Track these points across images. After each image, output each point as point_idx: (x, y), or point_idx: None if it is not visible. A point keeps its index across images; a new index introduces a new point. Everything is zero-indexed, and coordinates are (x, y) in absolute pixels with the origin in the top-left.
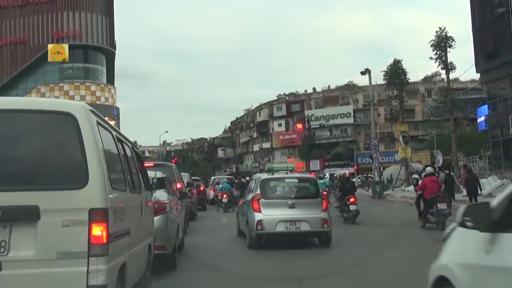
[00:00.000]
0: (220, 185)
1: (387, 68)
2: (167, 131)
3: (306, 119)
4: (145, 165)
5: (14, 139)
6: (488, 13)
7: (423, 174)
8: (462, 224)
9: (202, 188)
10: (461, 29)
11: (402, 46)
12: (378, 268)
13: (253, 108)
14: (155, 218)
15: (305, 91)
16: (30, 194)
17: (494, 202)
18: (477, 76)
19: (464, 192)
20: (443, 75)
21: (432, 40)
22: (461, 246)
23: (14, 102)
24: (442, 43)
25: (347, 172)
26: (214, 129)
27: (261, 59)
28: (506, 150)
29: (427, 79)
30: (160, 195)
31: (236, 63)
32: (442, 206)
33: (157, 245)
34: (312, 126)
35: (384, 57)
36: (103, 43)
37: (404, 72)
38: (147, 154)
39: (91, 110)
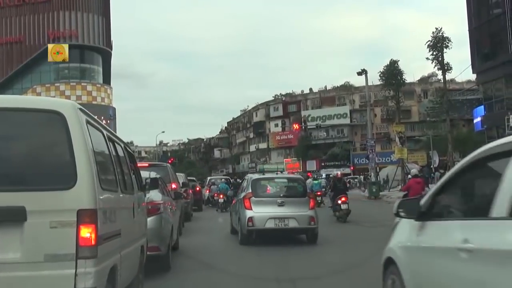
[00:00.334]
0: (216, 186)
1: (384, 69)
2: (163, 131)
3: (302, 119)
4: (140, 165)
5: (0, 138)
6: (484, 14)
7: (408, 176)
8: (397, 215)
9: (198, 189)
10: (458, 30)
11: (398, 47)
12: (374, 269)
13: (249, 108)
14: (149, 219)
15: (302, 91)
16: (16, 194)
17: (423, 199)
18: (473, 77)
19: None
20: (440, 76)
21: (429, 40)
22: (402, 232)
23: (1, 100)
24: (438, 43)
25: (338, 173)
26: (210, 129)
27: (258, 60)
28: None
29: (424, 80)
30: (154, 195)
31: (233, 63)
32: None
33: (150, 246)
34: (308, 127)
35: (381, 58)
36: (99, 43)
37: (400, 73)
38: (143, 154)
39: (80, 109)
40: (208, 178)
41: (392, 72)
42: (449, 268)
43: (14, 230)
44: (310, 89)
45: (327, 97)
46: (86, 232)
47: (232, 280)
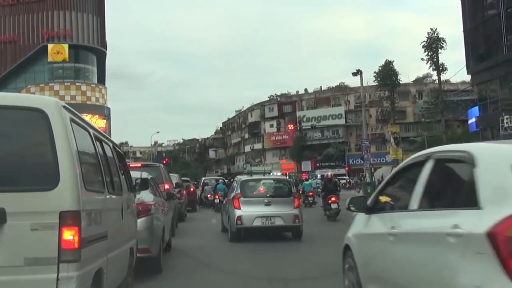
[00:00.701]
0: (210, 186)
1: (379, 69)
2: (158, 132)
3: (297, 120)
4: (133, 165)
5: None
6: (479, 15)
7: None
8: (349, 209)
9: (192, 189)
10: (453, 31)
11: (394, 48)
12: None
13: (244, 109)
14: (139, 220)
15: (297, 92)
16: None
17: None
18: (468, 78)
19: None
20: (434, 77)
21: (424, 41)
22: (356, 224)
23: None
24: (433, 44)
25: (329, 174)
26: (205, 129)
27: (253, 60)
28: None
29: (419, 81)
30: (145, 196)
31: (228, 63)
32: None
33: (141, 248)
34: (303, 127)
35: (376, 59)
36: (94, 43)
37: (395, 73)
38: (138, 154)
39: (64, 106)
40: (203, 178)
41: (387, 73)
42: (382, 248)
43: None
44: (305, 90)
45: (322, 98)
46: (68, 234)
47: (224, 282)
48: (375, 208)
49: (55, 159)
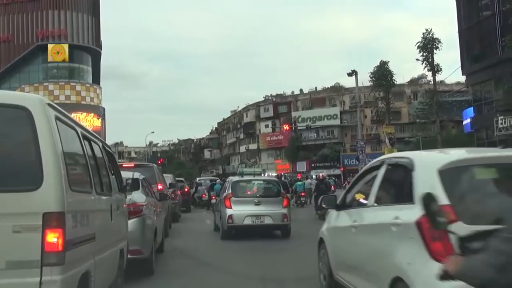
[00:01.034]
0: (204, 187)
1: (374, 70)
2: (153, 132)
3: (293, 120)
4: (126, 165)
5: None
6: (474, 16)
7: None
8: (321, 206)
9: (186, 190)
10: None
11: (389, 49)
12: None
13: (240, 109)
14: (131, 221)
15: (292, 92)
16: None
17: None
18: (462, 79)
19: None
20: (429, 77)
21: (419, 42)
22: (328, 219)
23: None
24: (428, 44)
25: (321, 174)
26: (200, 130)
27: (249, 60)
28: None
29: (413, 82)
30: (137, 197)
31: (224, 64)
32: None
33: (132, 249)
34: (298, 128)
35: (371, 60)
36: (88, 42)
37: (390, 74)
38: (133, 154)
39: (49, 104)
40: (197, 179)
41: (382, 73)
42: (347, 238)
43: None
44: (301, 90)
45: (317, 98)
46: (52, 237)
47: (217, 283)
48: (343, 205)
49: (38, 158)
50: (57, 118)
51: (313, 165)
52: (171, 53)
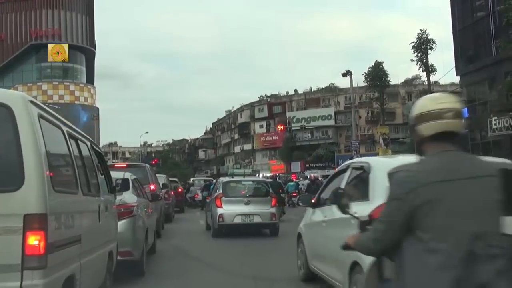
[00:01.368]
0: (198, 187)
1: (368, 70)
2: (147, 132)
3: (287, 120)
4: (118, 165)
5: None
6: (468, 16)
7: None
8: (298, 204)
9: (180, 190)
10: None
11: (383, 50)
12: None
13: (234, 109)
14: (121, 222)
15: (287, 92)
16: None
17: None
18: (456, 80)
19: None
20: (424, 78)
21: (413, 42)
22: (305, 216)
23: None
24: (423, 45)
25: (312, 175)
26: (195, 130)
27: (244, 61)
28: (485, 153)
29: (408, 82)
30: (128, 197)
31: (219, 64)
32: None
33: (122, 251)
34: (293, 128)
35: (366, 61)
36: (82, 42)
37: (385, 74)
38: (127, 155)
39: (31, 101)
40: (191, 179)
41: (376, 74)
42: (319, 232)
43: None
44: (295, 91)
45: (312, 99)
46: (33, 239)
47: (207, 284)
48: (318, 203)
49: (19, 158)
50: (40, 116)
51: (307, 165)
52: (166, 54)
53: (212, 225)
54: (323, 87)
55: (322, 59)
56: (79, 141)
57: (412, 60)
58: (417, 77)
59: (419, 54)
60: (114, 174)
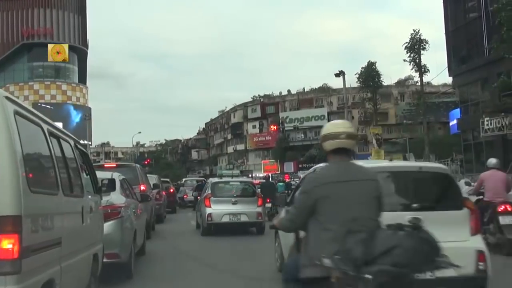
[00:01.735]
0: (189, 187)
1: (361, 70)
2: (139, 132)
3: (280, 121)
4: (108, 165)
5: None
6: (460, 17)
7: None
8: (274, 204)
9: (171, 190)
10: (435, 35)
11: (376, 51)
12: None
13: (227, 109)
14: (108, 224)
15: (280, 93)
16: None
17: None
18: (449, 80)
19: None
20: (416, 78)
21: (406, 42)
22: (281, 212)
23: None
24: (416, 45)
25: (302, 176)
26: (188, 130)
27: (237, 61)
28: (477, 153)
29: (400, 83)
30: (115, 198)
31: (212, 64)
32: None
33: (109, 253)
34: (286, 128)
35: (359, 61)
36: (75, 41)
37: (378, 74)
38: (120, 155)
39: (7, 97)
40: (183, 179)
41: (369, 74)
42: None
43: None
44: (288, 91)
45: (305, 99)
46: (7, 243)
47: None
48: (290, 203)
49: None
50: (16, 113)
51: (300, 165)
52: (159, 54)
53: (202, 224)
54: (316, 87)
55: (315, 59)
56: (61, 140)
57: (405, 60)
58: (409, 78)
59: (412, 55)
60: (103, 174)
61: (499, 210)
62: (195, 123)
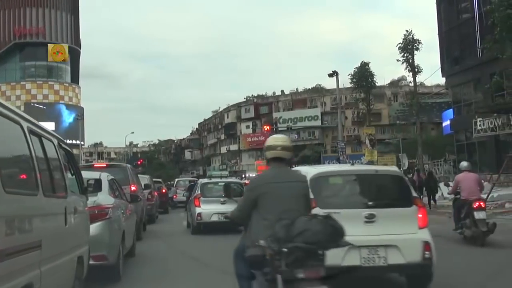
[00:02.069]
0: (180, 188)
1: (355, 70)
2: (132, 132)
3: (274, 121)
4: (97, 165)
5: None
6: (453, 18)
7: None
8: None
9: (164, 191)
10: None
11: (370, 51)
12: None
13: (221, 109)
14: (95, 225)
15: (274, 93)
16: None
17: None
18: (442, 81)
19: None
20: (409, 78)
21: (400, 43)
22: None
23: None
24: (409, 45)
25: None
26: (181, 130)
27: (231, 62)
28: (470, 154)
29: (394, 83)
30: (103, 198)
31: (206, 65)
32: None
33: (96, 255)
34: (279, 128)
35: (353, 62)
36: (67, 41)
37: (371, 75)
38: (113, 155)
39: None
40: (176, 179)
41: (363, 74)
42: None
43: None
44: (282, 91)
45: (298, 99)
46: None
47: None
48: None
49: None
50: None
51: (294, 166)
52: (152, 54)
53: (192, 223)
54: (310, 87)
55: (309, 60)
56: (43, 139)
57: (398, 60)
58: (403, 79)
59: (405, 55)
60: (92, 175)
61: (474, 206)
62: (189, 123)
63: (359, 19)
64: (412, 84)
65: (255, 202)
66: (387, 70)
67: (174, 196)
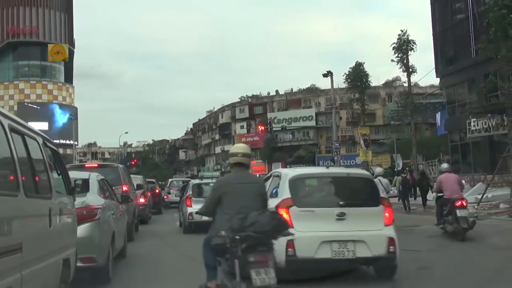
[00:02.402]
0: (173, 188)
1: (349, 71)
2: (126, 132)
3: (268, 121)
4: (89, 165)
5: None
6: (448, 19)
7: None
8: None
9: (157, 191)
10: (423, 37)
11: (364, 52)
12: None
13: (215, 109)
14: (83, 226)
15: (268, 93)
16: None
17: None
18: (436, 81)
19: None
20: (404, 79)
21: (394, 43)
22: None
23: None
24: (403, 46)
25: None
26: (176, 130)
27: (225, 62)
28: (463, 154)
29: (388, 84)
30: (92, 199)
31: (201, 65)
32: None
33: (84, 257)
34: (274, 129)
35: (347, 63)
36: (61, 40)
37: (366, 75)
38: (107, 155)
39: None
40: (169, 180)
41: (357, 74)
42: None
43: None
44: (277, 91)
45: (293, 100)
46: None
47: None
48: None
49: None
50: None
51: (288, 166)
52: (146, 54)
53: (183, 222)
54: (304, 88)
55: (303, 60)
56: (26, 137)
57: (392, 60)
58: (397, 79)
59: (399, 55)
60: (83, 175)
61: (457, 205)
62: (183, 123)
63: (353, 20)
64: (406, 85)
65: (219, 200)
66: (382, 70)
67: (165, 196)
